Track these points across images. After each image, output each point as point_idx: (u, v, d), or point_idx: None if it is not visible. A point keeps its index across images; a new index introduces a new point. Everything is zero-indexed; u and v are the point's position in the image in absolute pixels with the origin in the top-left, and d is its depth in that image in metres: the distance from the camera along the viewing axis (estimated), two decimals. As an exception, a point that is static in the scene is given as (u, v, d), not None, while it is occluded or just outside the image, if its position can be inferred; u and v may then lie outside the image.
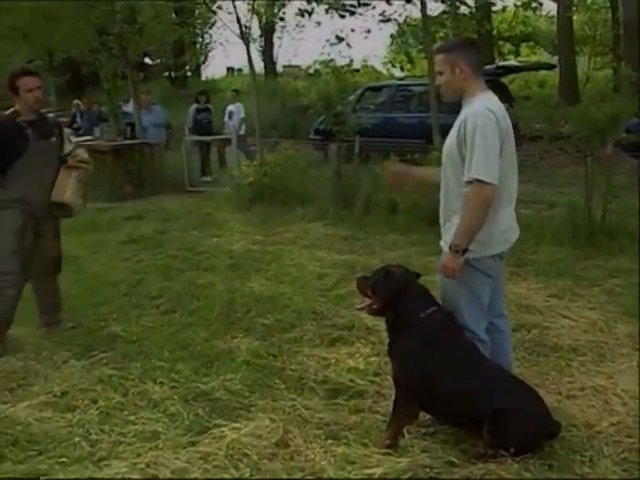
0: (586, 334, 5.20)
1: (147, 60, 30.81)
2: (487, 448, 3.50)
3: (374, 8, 10.86)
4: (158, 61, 32.48)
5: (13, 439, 4.04)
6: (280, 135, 18.54)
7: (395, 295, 3.79)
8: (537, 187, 10.94)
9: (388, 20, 11.02)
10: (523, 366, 4.62)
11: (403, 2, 10.65)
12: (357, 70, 11.11)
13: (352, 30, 10.89)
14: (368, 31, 11.26)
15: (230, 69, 42.12)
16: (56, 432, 4.11)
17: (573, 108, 8.64)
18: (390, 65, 38.90)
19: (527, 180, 11.69)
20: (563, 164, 13.59)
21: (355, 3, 10.61)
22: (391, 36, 37.33)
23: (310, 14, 11.09)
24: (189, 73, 36.27)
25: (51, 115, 17.74)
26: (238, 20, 11.29)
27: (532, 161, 13.36)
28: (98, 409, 4.35)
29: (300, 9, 11.17)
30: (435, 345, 3.70)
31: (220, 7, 12.99)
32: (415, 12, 11.21)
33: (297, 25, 14.81)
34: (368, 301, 3.93)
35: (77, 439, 3.99)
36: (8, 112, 5.53)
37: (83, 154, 5.87)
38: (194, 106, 15.18)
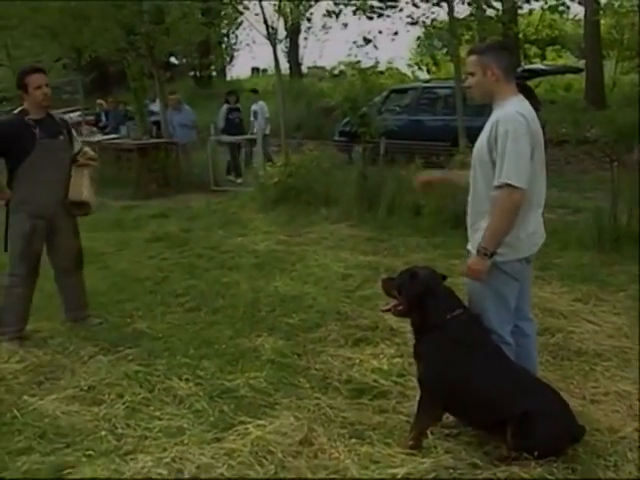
0: (611, 339, 5.19)
1: (172, 60, 31.05)
2: (510, 451, 3.52)
3: (401, 10, 10.87)
4: (184, 61, 32.74)
5: (41, 431, 4.12)
6: (304, 136, 18.59)
7: (421, 296, 3.80)
8: (562, 192, 10.86)
9: (416, 22, 11.02)
10: (547, 370, 4.60)
11: (431, 5, 10.63)
12: (382, 72, 11.09)
13: (380, 32, 10.91)
14: (395, 33, 11.28)
15: (255, 69, 42.30)
16: (83, 425, 4.18)
17: (600, 113, 8.62)
18: (416, 67, 38.87)
19: (551, 185, 11.59)
20: (588, 169, 13.51)
21: (382, 5, 10.60)
22: (418, 38, 37.34)
23: (337, 16, 11.13)
24: (214, 73, 36.49)
25: (78, 113, 18.02)
26: (265, 21, 11.35)
27: (557, 166, 13.29)
28: (124, 404, 4.42)
29: (328, 10, 11.21)
30: (461, 347, 3.71)
31: (247, 8, 13.04)
32: (442, 14, 11.21)
33: (323, 26, 14.75)
34: (393, 302, 3.95)
35: (103, 433, 4.06)
36: (17, 111, 5.61)
37: (90, 152, 5.95)
38: (225, 106, 15.13)
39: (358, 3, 10.70)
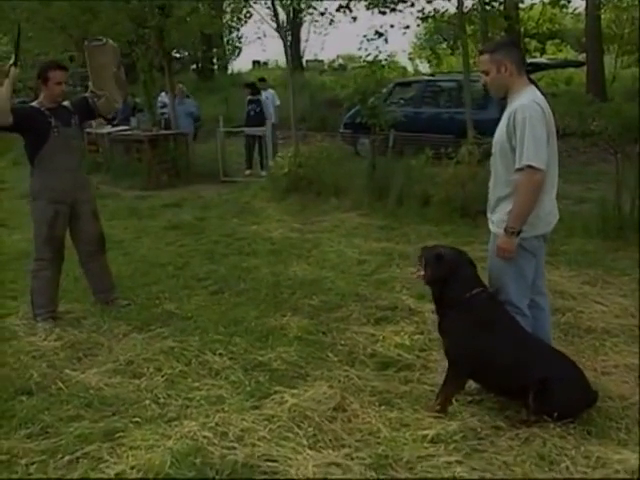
0: (618, 318, 5.48)
1: (174, 53, 31.16)
2: (531, 414, 3.81)
3: (412, 5, 11.06)
4: (186, 54, 32.89)
5: (87, 401, 4.39)
6: (309, 128, 18.83)
7: (444, 277, 4.09)
8: (565, 183, 11.05)
9: (427, 17, 11.25)
10: (560, 345, 4.83)
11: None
12: (383, 65, 11.33)
13: (392, 26, 11.10)
14: (407, 27, 11.51)
15: (256, 62, 42.55)
16: (126, 396, 4.45)
17: (606, 105, 8.88)
18: (418, 61, 39.19)
19: (555, 176, 11.87)
20: (590, 161, 13.79)
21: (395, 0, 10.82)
22: (426, 33, 37.64)
23: (351, 10, 11.33)
24: (216, 66, 36.68)
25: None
26: (276, 14, 11.58)
27: (560, 158, 13.47)
28: (163, 376, 4.70)
29: (341, 5, 11.41)
30: (482, 322, 4.00)
31: (256, 1, 13.27)
32: (451, 9, 11.40)
33: (332, 21, 14.91)
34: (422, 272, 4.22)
35: (147, 402, 4.33)
36: (35, 102, 5.87)
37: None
38: (248, 98, 15.11)
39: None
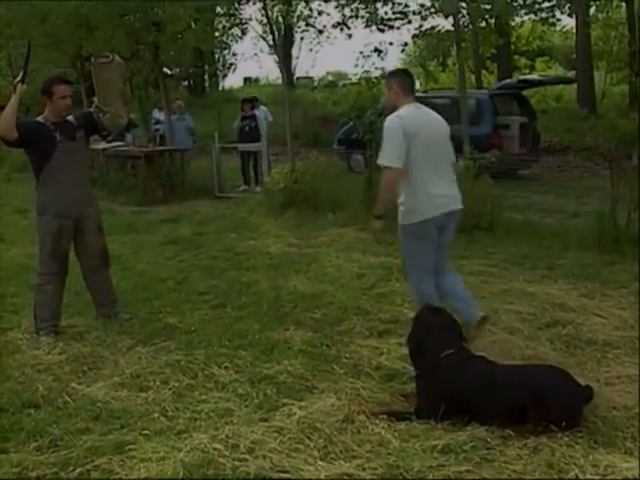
0: (618, 330, 5.54)
1: (166, 69, 31.27)
2: (536, 425, 3.86)
3: (410, 22, 11.19)
4: (178, 70, 32.99)
5: (95, 414, 4.40)
6: (301, 144, 18.93)
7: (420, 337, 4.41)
8: (558, 198, 11.23)
9: (424, 34, 11.37)
10: (562, 357, 4.96)
11: (440, 16, 10.98)
12: (374, 82, 11.47)
13: (390, 43, 11.23)
14: (405, 44, 11.63)
15: (247, 79, 42.77)
16: (134, 408, 4.46)
17: (601, 120, 9.01)
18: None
19: (547, 191, 12.06)
20: (581, 176, 13.92)
21: (392, 17, 10.90)
22: (423, 50, 37.99)
23: (348, 27, 11.45)
24: (207, 83, 36.82)
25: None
26: (272, 32, 11.67)
27: (553, 173, 13.69)
28: (170, 389, 4.71)
29: (338, 22, 11.53)
30: (455, 382, 4.15)
31: (250, 18, 13.35)
32: (447, 26, 11.52)
33: (328, 37, 15.04)
34: None
35: (155, 414, 4.34)
36: (40, 117, 5.90)
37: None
38: (241, 114, 15.26)
39: (367, 15, 11.00)
